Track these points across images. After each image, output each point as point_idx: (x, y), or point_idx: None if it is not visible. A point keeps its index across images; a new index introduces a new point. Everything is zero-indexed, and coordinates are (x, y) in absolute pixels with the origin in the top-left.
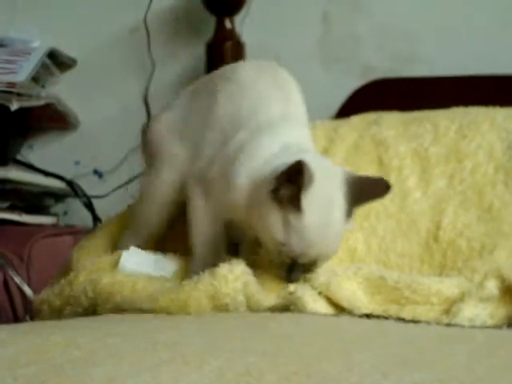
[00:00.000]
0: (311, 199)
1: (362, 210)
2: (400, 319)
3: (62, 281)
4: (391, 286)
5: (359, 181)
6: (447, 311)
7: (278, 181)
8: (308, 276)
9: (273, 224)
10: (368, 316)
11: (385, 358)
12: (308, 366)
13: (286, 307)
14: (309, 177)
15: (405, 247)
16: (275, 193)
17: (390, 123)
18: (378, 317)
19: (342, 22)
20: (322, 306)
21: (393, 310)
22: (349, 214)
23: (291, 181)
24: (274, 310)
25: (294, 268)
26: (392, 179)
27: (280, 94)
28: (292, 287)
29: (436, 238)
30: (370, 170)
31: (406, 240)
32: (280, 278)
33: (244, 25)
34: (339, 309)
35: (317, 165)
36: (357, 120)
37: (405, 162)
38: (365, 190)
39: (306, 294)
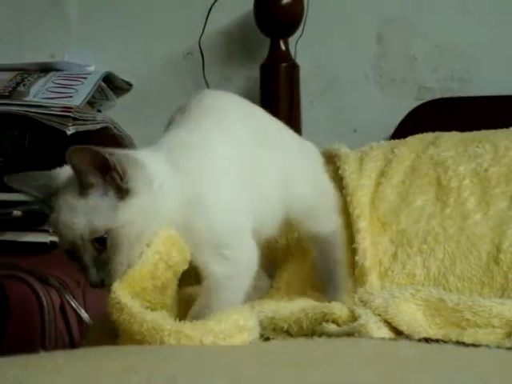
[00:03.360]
0: None
1: (420, 233)
2: (460, 343)
3: None
4: (451, 309)
5: None
6: (509, 334)
7: None
8: (364, 299)
9: None
10: (427, 340)
11: (444, 383)
12: None
13: (350, 334)
14: None
15: (465, 270)
16: None
17: (448, 143)
18: (437, 340)
19: (396, 42)
20: (386, 333)
21: (453, 333)
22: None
23: None
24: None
25: (84, 268)
26: (451, 201)
27: None
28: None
29: (497, 261)
30: (428, 192)
31: (465, 263)
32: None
33: (298, 47)
34: (398, 332)
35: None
36: (414, 140)
37: (464, 183)
38: None
39: (370, 320)
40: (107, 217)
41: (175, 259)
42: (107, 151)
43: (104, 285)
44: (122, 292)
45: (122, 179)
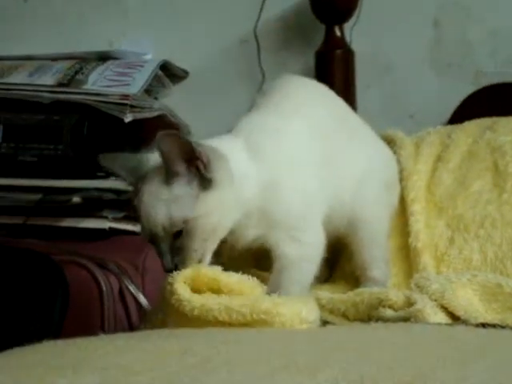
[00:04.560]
0: None
1: (477, 218)
2: None
3: None
4: (508, 294)
5: None
6: None
7: None
8: (420, 284)
9: None
10: (484, 325)
11: (502, 368)
12: (423, 376)
13: (406, 319)
14: None
15: None
16: None
17: (505, 129)
18: (494, 326)
19: (453, 27)
20: (443, 319)
21: (511, 319)
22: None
23: None
24: (386, 320)
25: (160, 253)
26: (508, 186)
27: None
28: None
29: None
30: (485, 177)
31: None
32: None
33: (354, 32)
34: (454, 317)
35: None
36: (471, 126)
37: None
38: None
39: (426, 306)
40: (187, 207)
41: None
42: (193, 140)
43: (177, 271)
44: (179, 280)
45: (206, 169)
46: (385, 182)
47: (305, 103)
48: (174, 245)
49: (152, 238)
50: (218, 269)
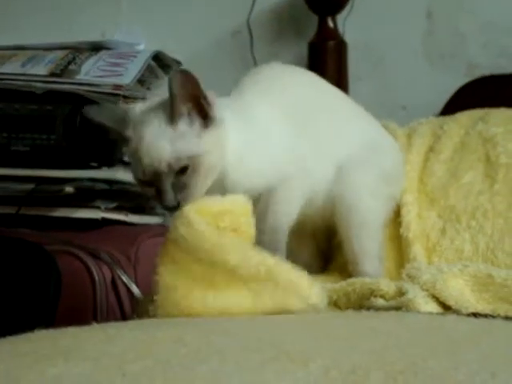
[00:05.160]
0: None
1: (469, 209)
2: (508, 318)
3: None
4: (500, 284)
5: None
6: None
7: None
8: (412, 274)
9: None
10: (475, 315)
11: (493, 357)
12: (414, 365)
13: (398, 309)
14: None
15: None
16: None
17: (497, 120)
18: (485, 315)
19: (446, 18)
20: (434, 308)
21: (502, 309)
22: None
23: None
24: (378, 309)
25: (160, 191)
26: (500, 177)
27: None
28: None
29: None
30: (477, 168)
31: None
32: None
33: (346, 24)
34: (445, 307)
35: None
36: (463, 117)
37: None
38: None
39: (417, 295)
40: (193, 144)
41: (241, 227)
42: None
43: (179, 208)
44: (191, 211)
45: (211, 109)
46: (382, 171)
47: (285, 83)
48: (176, 184)
49: (152, 178)
50: (220, 201)
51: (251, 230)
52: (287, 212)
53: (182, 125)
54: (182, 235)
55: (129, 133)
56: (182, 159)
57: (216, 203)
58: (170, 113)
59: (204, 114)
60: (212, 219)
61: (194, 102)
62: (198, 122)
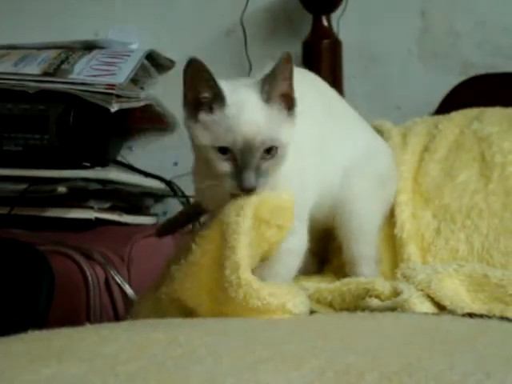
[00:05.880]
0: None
1: (464, 208)
2: (504, 318)
3: None
4: (495, 284)
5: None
6: None
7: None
8: (407, 274)
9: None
10: (470, 315)
11: (488, 358)
12: (409, 365)
13: (393, 309)
14: None
15: (509, 245)
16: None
17: (492, 119)
18: (480, 316)
19: (440, 17)
20: (429, 308)
21: (497, 309)
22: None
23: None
24: (373, 310)
25: (242, 169)
26: (495, 176)
27: None
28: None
29: None
30: (472, 167)
31: (510, 238)
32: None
33: (341, 23)
34: (441, 307)
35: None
36: (458, 116)
37: (508, 159)
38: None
39: (412, 295)
40: (282, 129)
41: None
42: None
43: (255, 192)
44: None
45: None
46: (378, 175)
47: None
48: (259, 166)
49: (241, 148)
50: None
51: (291, 225)
52: (297, 264)
53: (275, 108)
54: (231, 222)
55: (226, 99)
56: (275, 140)
57: (273, 198)
58: (268, 92)
59: (289, 106)
60: (268, 214)
61: (287, 91)
62: (285, 112)
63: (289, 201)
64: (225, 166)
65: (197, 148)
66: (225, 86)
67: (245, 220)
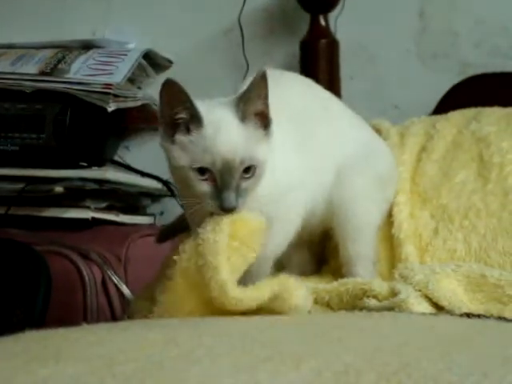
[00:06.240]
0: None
1: (462, 208)
2: (501, 318)
3: None
4: (493, 284)
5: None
6: None
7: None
8: (404, 274)
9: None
10: (468, 315)
11: (486, 358)
12: (407, 366)
13: (391, 309)
14: None
15: (506, 245)
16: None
17: (490, 119)
18: (478, 316)
19: (438, 17)
20: (427, 308)
21: (495, 309)
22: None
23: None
24: (371, 310)
25: (222, 189)
26: (493, 176)
27: None
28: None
29: None
30: (470, 167)
31: (507, 238)
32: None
33: (338, 22)
34: (438, 307)
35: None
36: (456, 116)
37: (507, 159)
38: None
39: (410, 296)
40: (260, 148)
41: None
42: None
43: (234, 212)
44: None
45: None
46: (378, 176)
47: (282, 91)
48: (238, 186)
49: (220, 169)
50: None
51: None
52: (282, 244)
53: (251, 127)
54: (208, 239)
55: (203, 119)
56: (253, 159)
57: (252, 220)
58: (243, 110)
59: (265, 125)
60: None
61: (262, 109)
62: (260, 131)
63: (260, 223)
64: (204, 187)
65: (174, 169)
66: (201, 106)
67: (222, 237)
